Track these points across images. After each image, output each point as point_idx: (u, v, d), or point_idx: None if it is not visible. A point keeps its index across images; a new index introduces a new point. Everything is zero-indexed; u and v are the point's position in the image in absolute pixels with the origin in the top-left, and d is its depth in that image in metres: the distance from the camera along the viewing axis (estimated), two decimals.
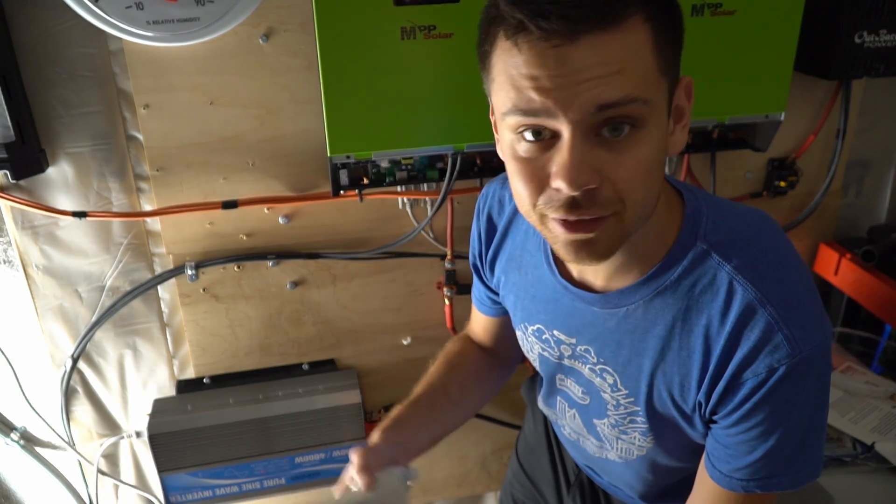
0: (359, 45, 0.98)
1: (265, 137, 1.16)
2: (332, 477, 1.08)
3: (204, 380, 1.32)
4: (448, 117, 1.05)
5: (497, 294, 0.92)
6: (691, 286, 0.67)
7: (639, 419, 0.76)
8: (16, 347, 1.24)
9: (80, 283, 1.21)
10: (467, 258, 1.29)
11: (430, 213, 1.23)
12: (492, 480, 1.60)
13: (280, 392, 1.29)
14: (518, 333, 0.90)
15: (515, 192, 0.63)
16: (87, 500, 1.39)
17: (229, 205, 1.18)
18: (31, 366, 1.26)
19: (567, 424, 0.91)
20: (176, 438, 1.24)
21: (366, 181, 1.16)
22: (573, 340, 0.79)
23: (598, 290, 0.74)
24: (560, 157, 0.57)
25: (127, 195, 1.17)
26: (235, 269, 1.25)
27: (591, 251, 0.61)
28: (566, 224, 0.60)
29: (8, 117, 1.01)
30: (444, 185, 1.14)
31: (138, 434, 1.33)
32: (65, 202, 1.14)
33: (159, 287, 1.25)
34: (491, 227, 0.88)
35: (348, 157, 1.05)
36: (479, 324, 1.01)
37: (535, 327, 0.84)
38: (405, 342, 1.39)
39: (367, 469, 0.75)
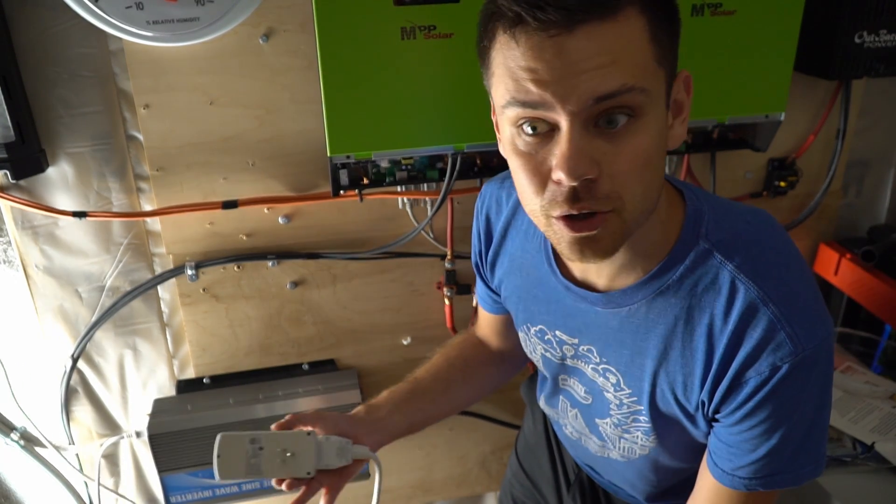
0: (359, 45, 0.98)
1: (265, 137, 1.16)
2: None
3: (204, 380, 1.32)
4: (448, 117, 1.05)
5: (499, 294, 0.92)
6: (693, 285, 0.68)
7: (642, 418, 0.76)
8: (16, 347, 1.24)
9: (80, 283, 1.21)
10: (467, 258, 1.30)
11: (430, 213, 1.23)
12: (492, 480, 1.60)
13: (280, 392, 1.29)
14: (521, 335, 0.90)
15: (520, 188, 0.63)
16: (87, 500, 1.39)
17: (229, 205, 1.18)
18: (31, 366, 1.26)
19: (569, 424, 0.91)
20: (176, 438, 1.24)
21: (366, 181, 1.16)
22: (575, 340, 0.79)
23: (600, 290, 0.74)
24: (559, 148, 0.57)
25: (127, 195, 1.17)
26: (235, 269, 1.25)
27: (595, 248, 0.61)
28: (569, 222, 0.60)
29: (8, 117, 1.01)
30: (444, 185, 1.14)
31: (138, 434, 1.33)
32: (65, 202, 1.14)
33: (159, 287, 1.26)
34: (489, 228, 0.88)
35: (348, 157, 1.05)
36: (485, 322, 1.02)
37: (537, 328, 0.84)
38: (405, 342, 1.39)
39: (295, 420, 0.81)
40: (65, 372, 1.25)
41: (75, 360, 1.25)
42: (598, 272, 0.73)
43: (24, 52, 1.03)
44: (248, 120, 1.14)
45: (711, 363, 0.67)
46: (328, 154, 1.05)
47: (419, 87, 1.02)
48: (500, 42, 0.58)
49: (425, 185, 1.21)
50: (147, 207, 1.19)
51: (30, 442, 1.32)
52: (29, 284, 1.19)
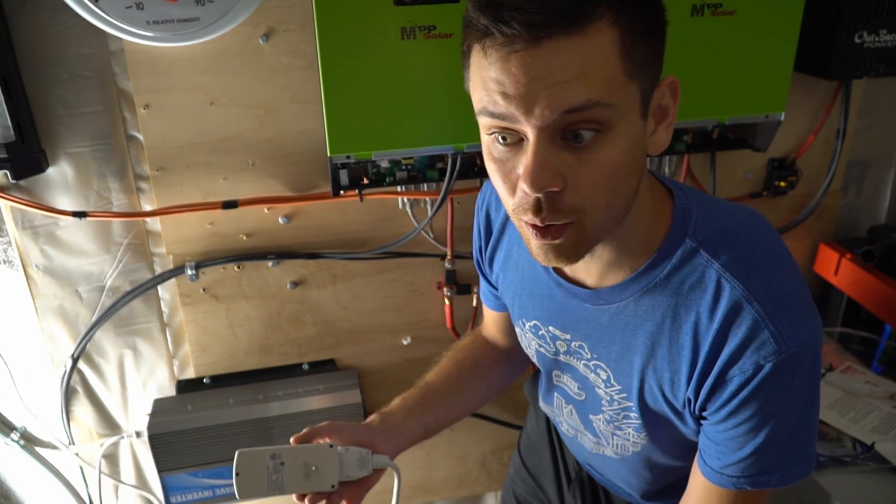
0: (359, 45, 0.98)
1: (265, 137, 1.16)
2: None
3: (204, 380, 1.32)
4: (448, 117, 1.05)
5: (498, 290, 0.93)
6: (680, 283, 0.68)
7: (632, 415, 0.77)
8: (16, 347, 1.24)
9: (80, 283, 1.21)
10: (467, 258, 1.30)
11: (430, 213, 1.23)
12: (492, 480, 1.60)
13: (280, 392, 1.29)
14: (517, 330, 0.91)
15: (497, 191, 0.65)
16: (87, 500, 1.39)
17: (229, 205, 1.18)
18: (31, 366, 1.26)
19: (565, 421, 0.92)
20: (176, 438, 1.24)
21: (366, 181, 1.16)
22: (567, 336, 0.80)
23: (589, 287, 0.74)
24: (525, 159, 0.58)
25: (127, 195, 1.17)
26: (235, 269, 1.25)
27: (559, 255, 0.63)
28: (535, 229, 0.62)
29: (8, 117, 1.01)
30: (444, 185, 1.14)
31: (138, 434, 1.33)
32: (65, 202, 1.14)
33: (159, 287, 1.26)
34: (489, 223, 0.89)
35: (348, 157, 1.05)
36: (490, 319, 1.02)
37: (531, 323, 0.85)
38: (405, 342, 1.39)
39: (312, 433, 0.80)
40: (65, 372, 1.25)
41: (75, 360, 1.25)
42: (586, 270, 0.74)
43: (24, 52, 1.03)
44: (248, 120, 1.14)
45: (697, 361, 0.68)
46: (328, 154, 1.05)
47: (419, 87, 1.02)
48: (474, 51, 0.59)
49: (425, 185, 1.21)
50: (147, 207, 1.19)
51: (30, 442, 1.32)
52: (29, 284, 1.19)
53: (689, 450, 0.78)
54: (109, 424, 1.34)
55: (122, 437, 1.33)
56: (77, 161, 1.12)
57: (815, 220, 1.43)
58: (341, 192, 1.16)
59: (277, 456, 0.76)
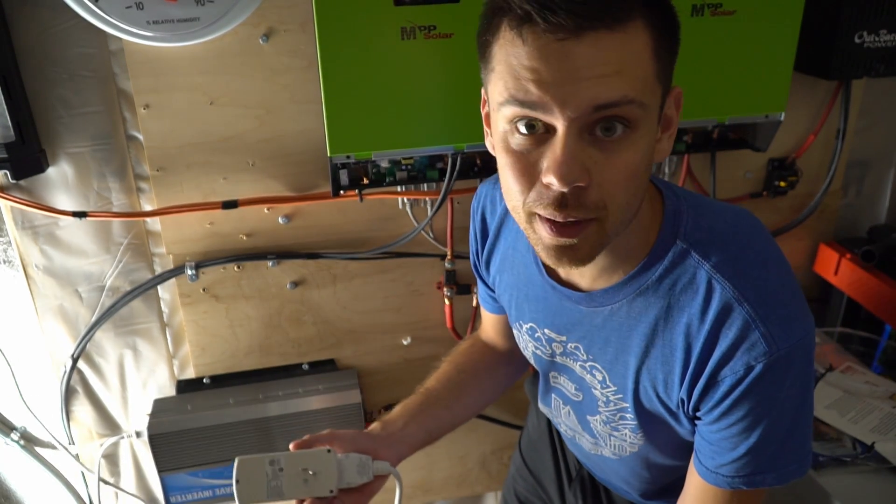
0: (359, 45, 0.98)
1: (265, 137, 1.16)
2: None
3: (204, 380, 1.32)
4: (448, 117, 1.05)
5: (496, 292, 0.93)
6: (672, 285, 0.68)
7: (628, 415, 0.77)
8: (16, 347, 1.24)
9: (80, 283, 1.21)
10: (467, 258, 1.30)
11: (430, 213, 1.23)
12: (492, 480, 1.60)
13: (280, 392, 1.29)
14: (514, 332, 0.91)
15: (505, 186, 0.63)
16: (86, 500, 1.39)
17: (229, 205, 1.18)
18: (31, 366, 1.26)
19: (563, 422, 0.92)
20: (176, 438, 1.24)
21: (366, 181, 1.16)
22: (563, 338, 0.80)
23: (583, 290, 0.75)
24: (553, 152, 0.57)
25: (127, 195, 1.17)
26: (235, 269, 1.25)
27: (573, 256, 0.62)
28: (552, 226, 0.60)
29: (8, 117, 1.01)
30: (444, 185, 1.14)
31: (138, 434, 1.33)
32: (65, 202, 1.14)
33: (159, 287, 1.26)
34: (484, 227, 0.89)
35: (348, 157, 1.05)
36: (488, 322, 1.02)
37: (528, 326, 0.85)
38: (405, 342, 1.39)
39: (312, 440, 0.79)
40: (65, 372, 1.25)
41: (75, 360, 1.25)
42: (580, 273, 0.74)
43: (24, 52, 1.03)
44: (248, 120, 1.14)
45: (689, 362, 0.68)
46: (328, 154, 1.05)
47: (419, 87, 1.02)
48: (504, 38, 0.58)
49: (425, 185, 1.21)
50: (147, 207, 1.19)
51: (30, 442, 1.32)
52: (29, 284, 1.19)
53: (686, 449, 0.78)
54: (109, 424, 1.34)
55: (122, 437, 1.33)
56: (77, 161, 1.12)
57: (815, 220, 1.43)
58: (341, 192, 1.16)
59: (276, 462, 0.76)
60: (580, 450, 0.93)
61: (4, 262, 1.18)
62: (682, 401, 0.71)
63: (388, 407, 1.41)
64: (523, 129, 0.59)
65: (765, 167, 1.38)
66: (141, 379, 1.32)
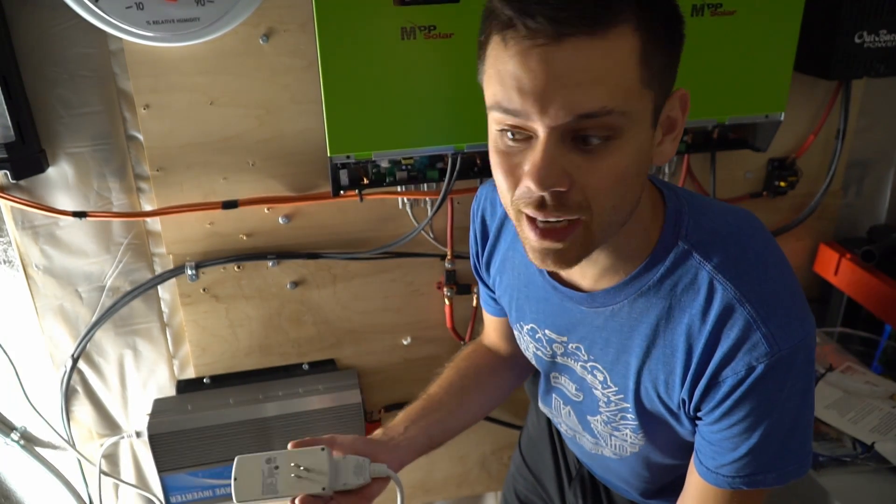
0: (359, 45, 0.98)
1: (265, 137, 1.16)
2: None
3: (204, 380, 1.32)
4: (448, 117, 1.05)
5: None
6: (673, 286, 0.68)
7: (629, 416, 0.77)
8: (16, 347, 1.24)
9: (80, 283, 1.21)
10: (467, 258, 1.30)
11: (430, 213, 1.23)
12: (492, 480, 1.60)
13: (280, 392, 1.29)
14: (515, 333, 0.90)
15: (497, 185, 0.64)
16: (87, 500, 1.39)
17: (229, 205, 1.18)
18: (31, 366, 1.26)
19: (563, 422, 0.92)
20: (176, 438, 1.24)
21: (366, 181, 1.16)
22: (564, 339, 0.80)
23: (584, 290, 0.74)
24: (533, 157, 0.58)
25: (127, 195, 1.17)
26: (235, 269, 1.25)
27: (558, 258, 0.63)
28: (536, 229, 0.61)
29: (8, 117, 1.01)
30: (444, 185, 1.14)
31: (138, 434, 1.33)
32: (65, 202, 1.14)
33: (159, 287, 1.26)
34: (484, 228, 0.89)
35: (348, 157, 1.05)
36: (491, 325, 1.02)
37: (528, 326, 0.85)
38: (405, 342, 1.39)
39: (311, 441, 0.79)
40: (65, 372, 1.25)
41: (75, 360, 1.25)
42: (581, 274, 0.74)
43: (24, 52, 1.03)
44: (248, 120, 1.14)
45: (690, 362, 0.68)
46: (328, 154, 1.05)
47: (419, 87, 1.02)
48: (493, 43, 0.59)
49: (425, 185, 1.21)
50: (147, 207, 1.19)
51: (30, 442, 1.32)
52: (29, 284, 1.19)
53: (687, 449, 0.78)
54: (109, 424, 1.34)
55: (122, 437, 1.33)
56: (77, 161, 1.12)
57: (815, 220, 1.43)
58: (341, 192, 1.16)
59: (272, 460, 0.77)
60: (580, 449, 0.93)
61: (4, 262, 1.18)
62: (684, 401, 0.71)
63: (389, 407, 1.42)
64: (509, 134, 0.60)
65: (765, 167, 1.38)
66: (141, 379, 1.32)
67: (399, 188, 1.20)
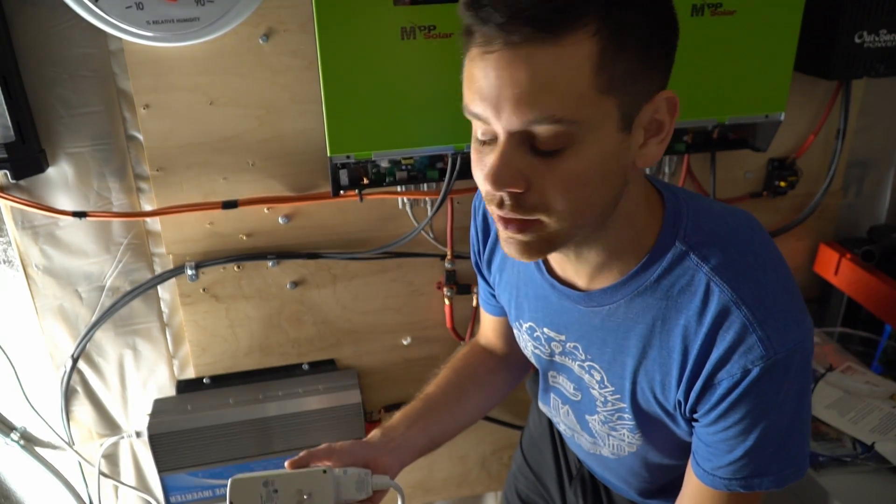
0: (359, 45, 0.98)
1: (265, 137, 1.16)
2: None
3: (204, 380, 1.32)
4: (448, 117, 1.05)
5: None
6: (670, 286, 0.68)
7: (626, 416, 0.77)
8: (16, 347, 1.24)
9: (80, 283, 1.21)
10: (467, 258, 1.30)
11: (430, 213, 1.23)
12: (492, 480, 1.60)
13: (280, 392, 1.29)
14: (514, 331, 0.91)
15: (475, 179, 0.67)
16: (87, 500, 1.39)
17: (229, 205, 1.18)
18: (31, 366, 1.26)
19: (562, 421, 0.92)
20: (176, 438, 1.24)
21: (366, 181, 1.16)
22: (562, 337, 0.80)
23: (581, 289, 0.75)
24: (491, 157, 0.59)
25: (127, 195, 1.17)
26: (235, 269, 1.25)
27: (521, 250, 0.64)
28: (501, 219, 0.63)
29: (8, 117, 1.01)
30: (444, 185, 1.14)
31: (138, 434, 1.33)
32: (65, 202, 1.14)
33: (159, 287, 1.26)
34: (486, 225, 0.89)
35: (348, 157, 1.05)
36: (488, 325, 1.02)
37: (527, 325, 0.85)
38: (405, 342, 1.39)
39: (309, 458, 0.77)
40: (65, 372, 1.25)
41: (75, 360, 1.25)
42: (576, 272, 0.74)
43: (24, 52, 1.03)
44: (248, 120, 1.14)
45: (686, 364, 0.68)
46: (328, 154, 1.05)
47: (419, 87, 1.02)
48: (465, 46, 0.60)
49: (425, 185, 1.21)
50: (147, 207, 1.19)
51: (30, 442, 1.32)
52: (29, 284, 1.19)
53: (685, 450, 0.78)
54: (109, 424, 1.34)
55: (122, 437, 1.33)
56: (77, 161, 1.12)
57: (815, 220, 1.43)
58: (341, 192, 1.16)
59: (270, 483, 0.74)
60: (579, 448, 0.94)
61: (4, 262, 1.18)
62: (679, 402, 0.71)
63: (389, 407, 1.42)
64: (479, 134, 0.62)
65: (765, 167, 1.38)
66: (141, 379, 1.32)
67: (399, 188, 1.20)
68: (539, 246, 0.64)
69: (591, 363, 0.78)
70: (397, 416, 0.89)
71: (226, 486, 0.74)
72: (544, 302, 0.80)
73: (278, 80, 1.12)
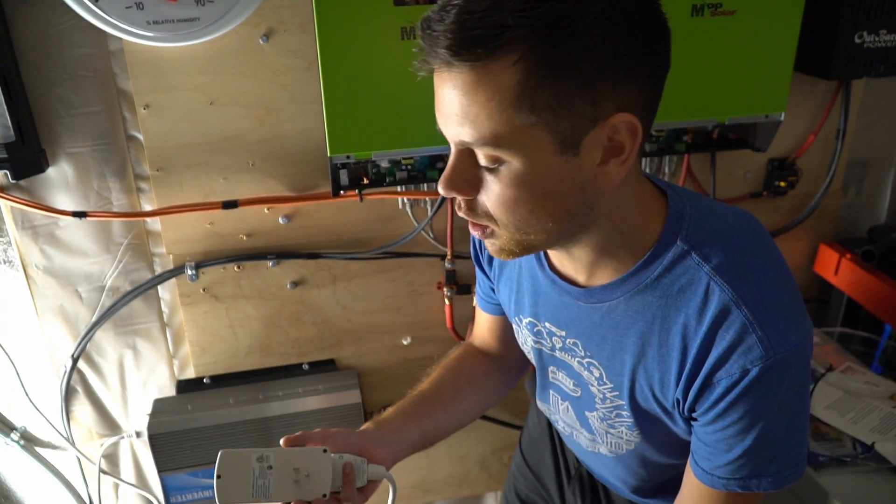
0: (359, 45, 0.98)
1: (265, 137, 1.16)
2: None
3: (204, 380, 1.32)
4: None
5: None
6: (670, 285, 0.68)
7: (624, 413, 0.77)
8: (16, 347, 1.24)
9: (80, 283, 1.21)
10: (467, 258, 1.30)
11: (430, 213, 1.23)
12: (492, 480, 1.60)
13: (280, 392, 1.29)
14: (514, 327, 0.91)
15: None
16: (87, 500, 1.39)
17: (229, 205, 1.18)
18: (31, 366, 1.26)
19: (561, 419, 0.92)
20: (176, 438, 1.24)
21: (366, 181, 1.16)
22: (563, 333, 0.80)
23: (581, 285, 0.75)
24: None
25: (127, 195, 1.17)
26: (235, 269, 1.25)
27: (492, 249, 0.69)
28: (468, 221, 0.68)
29: (8, 117, 1.01)
30: None
31: (138, 434, 1.33)
32: (65, 202, 1.14)
33: (159, 287, 1.26)
34: None
35: (348, 157, 1.05)
36: (485, 325, 1.02)
37: (528, 320, 0.85)
38: (405, 342, 1.39)
39: (304, 437, 0.77)
40: (65, 372, 1.25)
41: (75, 360, 1.25)
42: (574, 269, 0.75)
43: (24, 52, 1.03)
44: (248, 120, 1.14)
45: (685, 363, 0.68)
46: (328, 154, 1.05)
47: (419, 87, 1.02)
48: None
49: (425, 185, 1.21)
50: (147, 207, 1.19)
51: (30, 442, 1.32)
52: (29, 284, 1.19)
53: (683, 448, 0.78)
54: (109, 424, 1.34)
55: (122, 437, 1.33)
56: (77, 161, 1.12)
57: (815, 220, 1.43)
58: (341, 192, 1.16)
59: (265, 459, 0.69)
60: (578, 447, 0.94)
61: (4, 262, 1.18)
62: (678, 401, 0.71)
63: (388, 407, 1.41)
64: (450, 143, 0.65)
65: (765, 167, 1.38)
66: (141, 379, 1.32)
67: (399, 188, 1.20)
68: (503, 246, 0.68)
69: (590, 360, 0.78)
70: (391, 410, 0.89)
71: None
72: (545, 297, 0.81)
73: (278, 80, 1.12)
